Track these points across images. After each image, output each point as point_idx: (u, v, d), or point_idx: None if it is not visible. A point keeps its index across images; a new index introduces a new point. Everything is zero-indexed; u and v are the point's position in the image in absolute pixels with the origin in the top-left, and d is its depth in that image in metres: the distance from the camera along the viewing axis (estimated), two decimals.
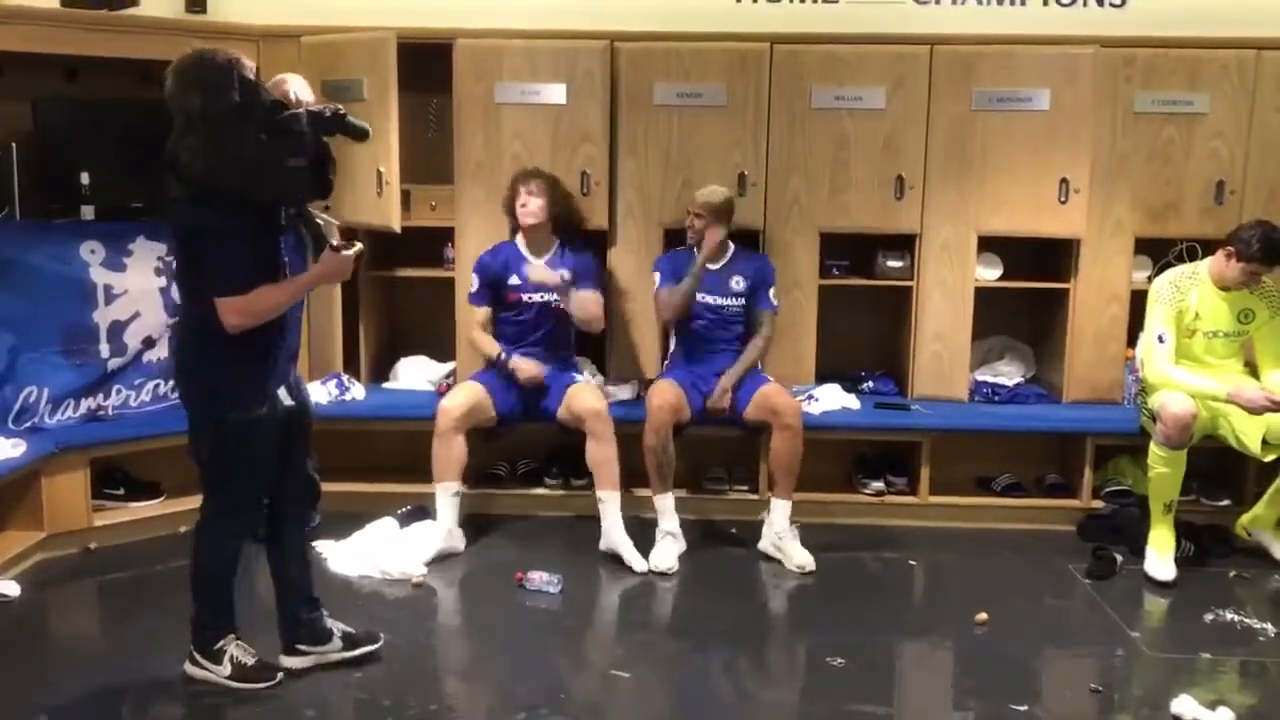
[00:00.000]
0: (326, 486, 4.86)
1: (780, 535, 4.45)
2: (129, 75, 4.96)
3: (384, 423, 4.95)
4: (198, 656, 3.40)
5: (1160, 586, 4.29)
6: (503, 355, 4.64)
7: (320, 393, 4.93)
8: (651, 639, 3.94)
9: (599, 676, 3.60)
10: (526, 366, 4.61)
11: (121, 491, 4.69)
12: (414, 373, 5.27)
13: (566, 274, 4.64)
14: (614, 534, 4.45)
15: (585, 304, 4.65)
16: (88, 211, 4.68)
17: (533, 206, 4.65)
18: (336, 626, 3.55)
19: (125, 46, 4.71)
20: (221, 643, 3.39)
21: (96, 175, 4.71)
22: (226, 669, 3.37)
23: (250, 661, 3.40)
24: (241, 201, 3.09)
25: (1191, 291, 4.49)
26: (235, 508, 3.33)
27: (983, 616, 3.95)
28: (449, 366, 5.21)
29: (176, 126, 3.08)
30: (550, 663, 3.66)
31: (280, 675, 3.43)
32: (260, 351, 3.21)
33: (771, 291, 4.78)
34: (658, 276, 4.76)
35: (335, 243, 3.33)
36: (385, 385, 5.21)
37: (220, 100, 3.02)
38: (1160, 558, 4.35)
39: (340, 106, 3.25)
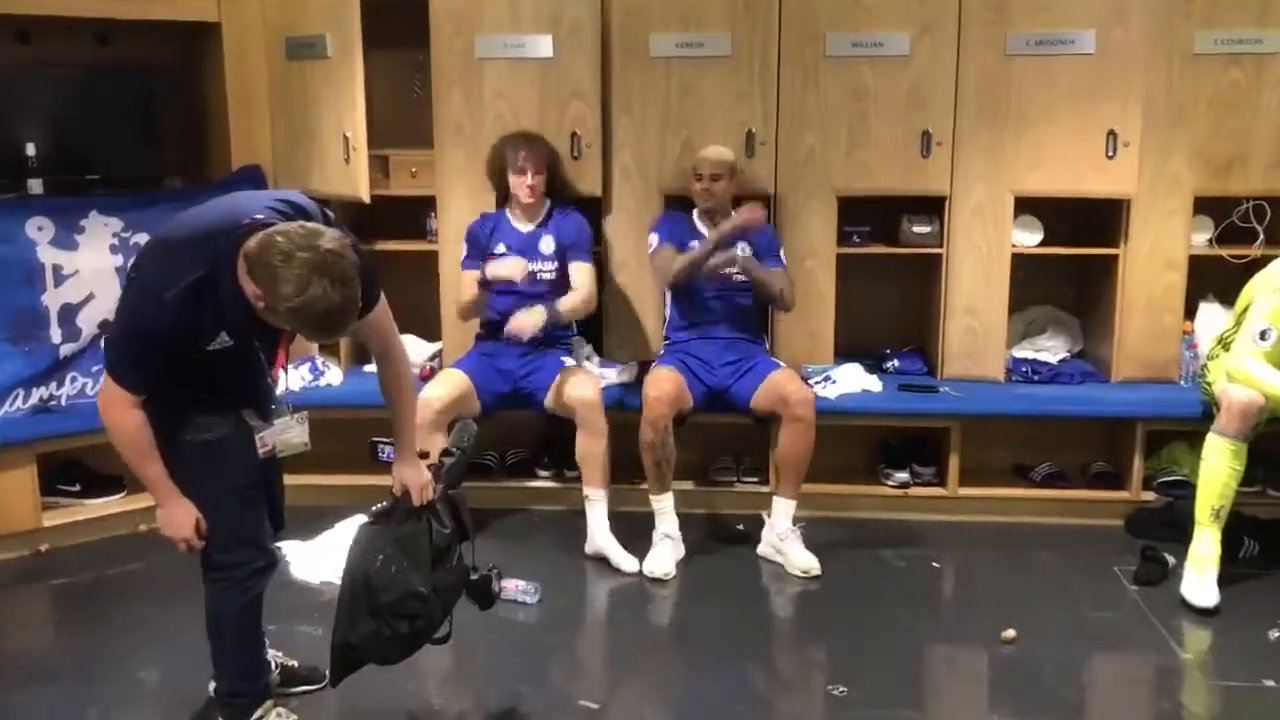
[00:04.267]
0: (294, 480, 4.51)
1: (782, 537, 4.01)
2: (86, 37, 4.62)
3: (360, 410, 4.55)
4: None
5: (1200, 614, 3.67)
6: (481, 278, 4.21)
7: (292, 378, 4.56)
8: (632, 658, 3.54)
9: (567, 705, 3.19)
10: (504, 268, 4.17)
11: (77, 488, 4.37)
12: None
13: (521, 264, 4.19)
14: (600, 536, 4.07)
15: (571, 306, 4.24)
16: (35, 185, 4.35)
17: (539, 185, 4.24)
18: (277, 660, 3.16)
19: (81, 5, 4.35)
20: (259, 712, 2.89)
21: (45, 145, 4.38)
22: None
23: None
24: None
25: None
26: (231, 541, 2.78)
27: (1010, 634, 3.48)
28: (435, 347, 4.82)
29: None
30: (515, 689, 3.26)
31: None
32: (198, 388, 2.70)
33: (781, 253, 4.35)
34: (654, 238, 4.31)
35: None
36: (366, 369, 4.81)
37: None
38: (1200, 578, 3.73)
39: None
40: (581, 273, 4.29)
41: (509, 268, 4.17)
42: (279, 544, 4.09)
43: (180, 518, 2.70)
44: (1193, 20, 4.33)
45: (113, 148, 4.66)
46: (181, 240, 2.56)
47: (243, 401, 2.74)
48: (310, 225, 2.45)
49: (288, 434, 2.77)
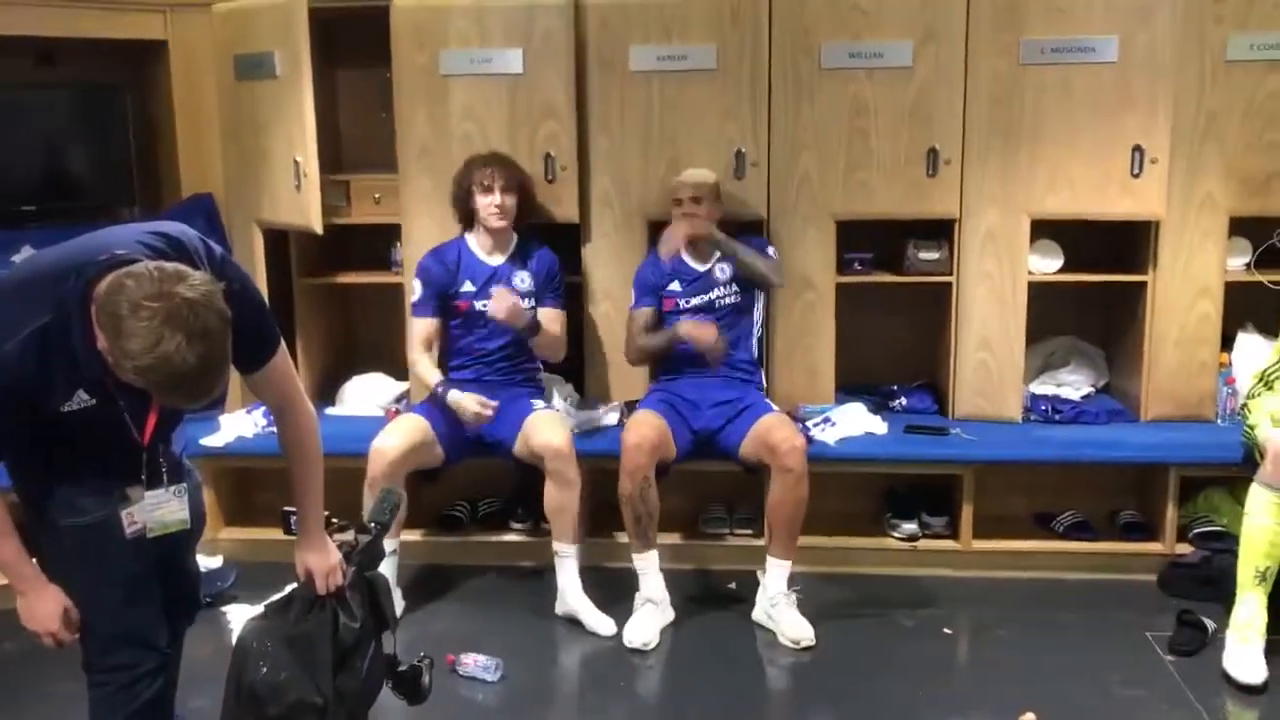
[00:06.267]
0: (242, 534, 4.20)
1: (774, 602, 3.61)
2: (27, 57, 4.31)
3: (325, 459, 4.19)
4: None
5: (1245, 691, 3.23)
6: (439, 389, 3.84)
7: (245, 423, 4.22)
8: None
9: None
10: (469, 405, 3.78)
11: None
12: (365, 394, 4.51)
13: (530, 307, 3.89)
14: (571, 596, 3.69)
15: (546, 336, 3.92)
16: None
17: (508, 205, 3.88)
18: None
19: (21, 22, 4.05)
20: None
21: None
22: None
23: None
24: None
25: None
26: (114, 641, 2.36)
27: (1029, 718, 3.07)
28: (402, 387, 4.46)
29: None
30: None
31: None
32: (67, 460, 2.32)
33: (770, 250, 4.01)
34: (634, 294, 3.98)
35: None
36: (329, 411, 4.44)
37: None
38: (1245, 649, 3.30)
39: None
40: (552, 320, 3.95)
41: (505, 307, 3.80)
42: (225, 608, 3.85)
43: (43, 609, 2.28)
44: (1225, 23, 3.95)
45: (53, 176, 4.35)
46: (25, 281, 2.17)
47: (120, 476, 2.34)
48: (170, 266, 1.99)
49: (161, 510, 2.37)
